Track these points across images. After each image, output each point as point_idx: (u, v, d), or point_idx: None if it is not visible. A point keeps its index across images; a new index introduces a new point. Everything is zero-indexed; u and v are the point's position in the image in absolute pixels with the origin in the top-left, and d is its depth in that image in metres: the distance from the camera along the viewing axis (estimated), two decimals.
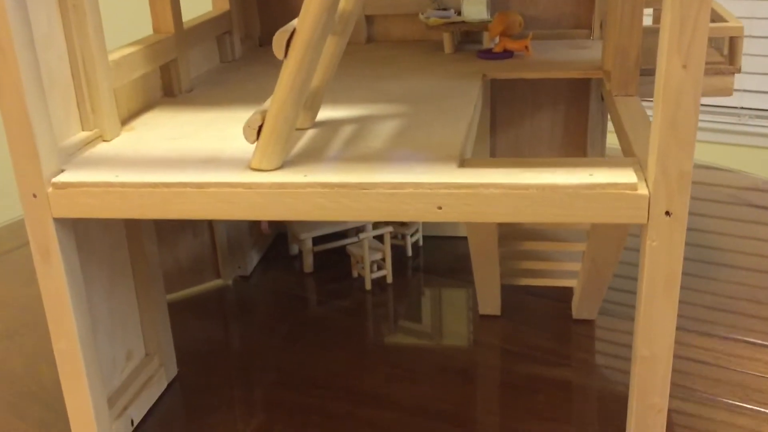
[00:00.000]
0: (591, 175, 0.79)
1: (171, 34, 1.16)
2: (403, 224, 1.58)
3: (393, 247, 1.60)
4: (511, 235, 1.16)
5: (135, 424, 1.09)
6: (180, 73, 1.19)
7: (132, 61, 1.05)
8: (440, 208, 0.81)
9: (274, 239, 1.69)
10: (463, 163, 0.85)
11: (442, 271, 1.54)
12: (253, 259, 1.56)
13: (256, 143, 0.86)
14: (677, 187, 0.76)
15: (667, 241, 0.78)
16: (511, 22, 1.31)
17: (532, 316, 1.37)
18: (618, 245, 0.96)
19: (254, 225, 1.58)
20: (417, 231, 1.62)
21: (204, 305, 1.46)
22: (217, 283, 1.52)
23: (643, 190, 0.77)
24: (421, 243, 1.64)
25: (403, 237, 1.59)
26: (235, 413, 1.14)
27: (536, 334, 1.32)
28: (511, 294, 1.40)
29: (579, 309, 1.30)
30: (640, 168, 0.81)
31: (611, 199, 0.77)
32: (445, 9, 1.39)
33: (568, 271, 1.27)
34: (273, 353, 1.30)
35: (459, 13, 1.36)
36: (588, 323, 1.33)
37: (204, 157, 0.91)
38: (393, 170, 0.84)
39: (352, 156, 0.89)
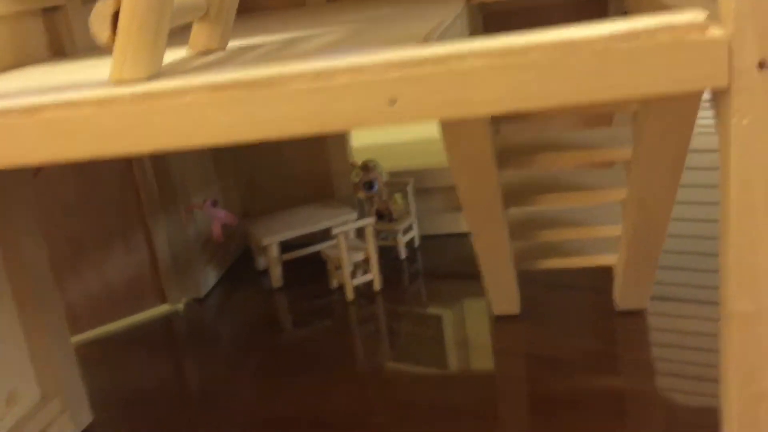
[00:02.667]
0: (630, 23, 0.49)
1: None
2: (391, 220, 1.27)
3: (384, 249, 1.30)
4: (518, 191, 0.85)
5: None
6: (72, 26, 0.91)
7: None
8: (393, 101, 0.51)
9: (239, 256, 1.39)
10: (426, 39, 0.55)
11: (444, 274, 1.23)
12: (209, 277, 1.26)
13: (114, 44, 0.57)
14: None
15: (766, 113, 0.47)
16: None
17: (560, 313, 1.05)
18: (677, 158, 0.65)
19: (207, 239, 1.29)
20: (411, 228, 1.31)
21: (146, 337, 1.15)
22: (162, 309, 1.21)
23: (717, 31, 0.47)
24: (417, 243, 1.33)
25: (394, 236, 1.28)
26: None
27: (569, 333, 1.00)
28: (529, 290, 1.09)
29: (624, 295, 0.98)
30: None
31: (666, 52, 0.47)
32: None
33: (604, 241, 0.96)
34: (236, 390, 0.98)
35: None
36: (637, 315, 1.01)
37: (51, 87, 0.62)
38: (320, 59, 0.54)
39: (267, 59, 0.60)
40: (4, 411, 0.80)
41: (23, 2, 0.83)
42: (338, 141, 1.32)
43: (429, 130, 1.65)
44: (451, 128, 0.69)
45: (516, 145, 0.81)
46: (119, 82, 0.57)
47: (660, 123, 0.60)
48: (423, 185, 1.33)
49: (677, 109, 0.58)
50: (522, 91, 0.49)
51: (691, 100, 0.58)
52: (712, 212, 1.34)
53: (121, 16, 0.56)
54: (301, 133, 0.53)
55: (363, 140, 1.42)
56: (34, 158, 0.56)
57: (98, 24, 0.56)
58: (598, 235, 0.89)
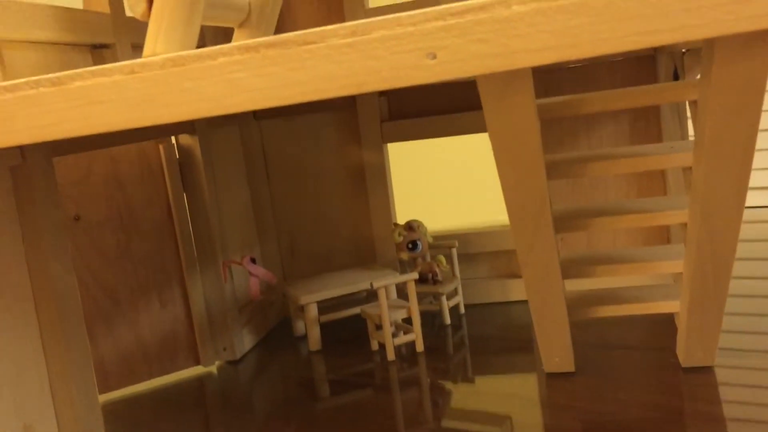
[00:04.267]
0: None
1: (106, 13, 0.91)
2: (435, 282, 1.22)
3: (427, 315, 1.24)
4: (569, 219, 0.80)
5: None
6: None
7: (32, 15, 0.79)
8: (434, 56, 0.48)
9: (277, 325, 1.35)
10: None
11: (492, 341, 1.16)
12: (244, 340, 1.21)
13: (149, 19, 0.56)
14: None
15: None
16: None
17: (619, 371, 0.97)
18: (745, 150, 0.59)
19: (245, 303, 1.25)
20: (456, 293, 1.25)
21: (177, 398, 1.09)
22: (196, 370, 1.16)
23: None
24: (462, 310, 1.27)
25: (437, 299, 1.22)
26: None
27: (630, 390, 0.91)
28: (583, 350, 1.01)
29: (688, 348, 0.90)
30: None
31: None
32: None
33: (664, 288, 0.89)
34: None
35: None
36: (705, 372, 0.92)
37: None
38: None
39: None
40: None
41: (73, 32, 0.85)
42: (381, 205, 1.29)
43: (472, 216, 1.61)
44: (499, 123, 0.66)
45: (571, 211, 0.77)
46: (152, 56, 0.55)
47: (723, 107, 0.55)
48: (467, 250, 1.29)
49: (742, 86, 0.54)
50: (571, 38, 0.46)
51: (757, 74, 0.54)
52: None
53: None
54: (337, 93, 0.50)
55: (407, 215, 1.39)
56: (64, 130, 0.54)
57: None
58: (657, 271, 0.82)
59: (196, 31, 0.58)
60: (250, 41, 0.50)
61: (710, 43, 0.54)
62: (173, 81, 0.52)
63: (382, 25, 0.48)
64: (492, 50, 0.47)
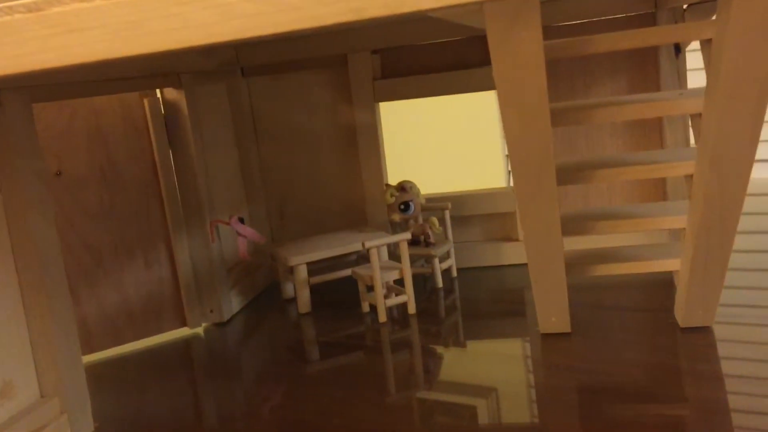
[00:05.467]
0: None
1: None
2: (428, 244, 1.20)
3: (419, 278, 1.22)
4: (572, 170, 0.77)
5: None
6: None
7: None
8: None
9: (266, 288, 1.32)
10: None
11: (484, 304, 1.13)
12: (232, 302, 1.18)
13: None
14: None
15: None
16: None
17: (615, 333, 0.95)
18: (761, 94, 0.57)
19: (233, 264, 1.22)
20: (449, 255, 1.23)
21: (164, 361, 1.07)
22: (182, 332, 1.13)
23: None
24: (455, 274, 1.24)
25: (429, 261, 1.20)
26: None
27: (630, 350, 0.89)
28: (579, 312, 0.99)
29: (688, 306, 0.88)
30: None
31: None
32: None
33: (664, 247, 0.87)
34: (256, 421, 0.88)
35: None
36: (703, 332, 0.90)
37: None
38: None
39: None
40: None
41: None
42: (373, 165, 1.27)
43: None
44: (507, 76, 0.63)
45: (574, 163, 0.75)
46: None
47: (742, 42, 0.53)
48: (461, 213, 1.26)
49: (762, 20, 0.52)
50: None
51: None
52: None
53: None
54: (335, 20, 0.47)
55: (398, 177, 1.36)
56: (42, 60, 0.51)
57: None
58: (658, 226, 0.80)
59: None
60: None
61: None
62: (159, 6, 0.48)
63: None
64: None
